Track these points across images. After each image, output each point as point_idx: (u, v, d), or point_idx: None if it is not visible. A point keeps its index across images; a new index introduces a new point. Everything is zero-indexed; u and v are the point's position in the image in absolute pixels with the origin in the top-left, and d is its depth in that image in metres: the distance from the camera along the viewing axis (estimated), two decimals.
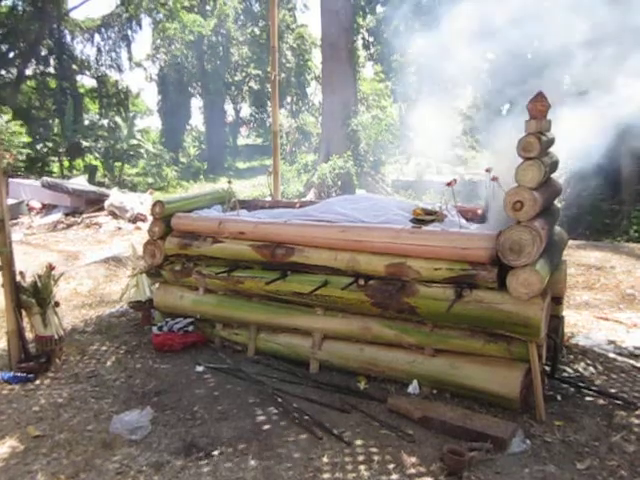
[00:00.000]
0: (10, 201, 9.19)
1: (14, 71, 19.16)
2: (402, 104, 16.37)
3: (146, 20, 21.60)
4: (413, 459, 2.60)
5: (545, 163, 2.84)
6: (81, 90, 21.58)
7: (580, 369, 3.56)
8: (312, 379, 3.45)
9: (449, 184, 3.48)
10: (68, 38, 20.39)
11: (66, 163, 17.82)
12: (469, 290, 3.02)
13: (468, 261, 3.03)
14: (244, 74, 24.59)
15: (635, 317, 4.52)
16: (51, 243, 8.28)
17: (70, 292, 5.49)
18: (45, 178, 10.74)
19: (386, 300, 3.25)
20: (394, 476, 2.49)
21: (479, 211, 3.90)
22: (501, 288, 2.94)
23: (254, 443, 2.77)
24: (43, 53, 20.08)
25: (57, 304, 3.92)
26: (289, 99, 23.61)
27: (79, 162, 18.11)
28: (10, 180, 10.22)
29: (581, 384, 3.30)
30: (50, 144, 16.81)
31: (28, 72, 19.87)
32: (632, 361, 3.68)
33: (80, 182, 11.57)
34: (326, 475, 2.51)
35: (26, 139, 14.59)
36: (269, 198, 6.61)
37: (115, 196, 10.40)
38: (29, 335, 3.85)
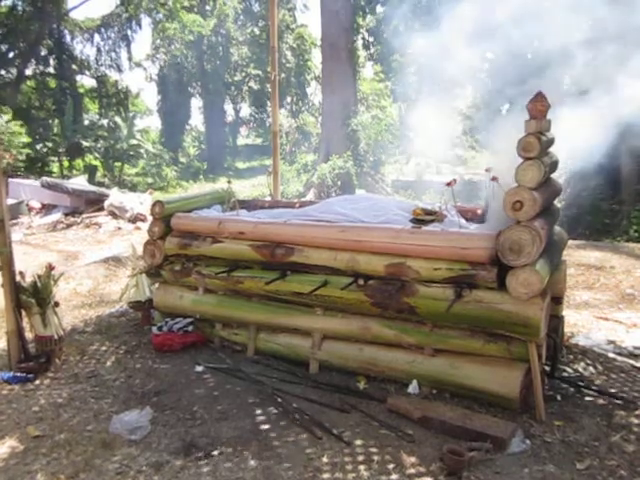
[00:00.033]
0: (10, 201, 9.19)
1: (14, 71, 19.17)
2: (402, 104, 16.38)
3: (146, 20, 21.67)
4: (413, 459, 2.60)
5: (545, 163, 2.84)
6: (81, 90, 21.59)
7: (580, 369, 3.56)
8: (312, 379, 3.45)
9: (449, 184, 3.48)
10: (68, 38, 20.43)
11: (66, 163, 17.82)
12: (469, 290, 3.02)
13: (468, 261, 3.03)
14: (244, 74, 24.59)
15: (635, 317, 4.52)
16: (51, 243, 8.28)
17: (70, 292, 5.49)
18: (45, 178, 10.73)
19: (386, 300, 3.25)
20: (394, 476, 2.49)
21: (479, 211, 3.90)
22: (501, 288, 2.94)
23: (254, 443, 2.77)
24: (43, 53, 20.09)
25: (57, 304, 3.92)
26: (289, 99, 23.60)
27: (79, 162, 18.11)
28: (10, 180, 10.23)
29: (581, 383, 3.30)
30: (50, 144, 16.82)
31: (28, 72, 19.88)
32: (632, 361, 3.68)
33: (80, 182, 11.57)
34: (326, 475, 2.51)
35: (26, 139, 14.60)
36: (269, 198, 6.61)
37: (115, 196, 10.40)
38: (29, 335, 3.85)
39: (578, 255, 6.40)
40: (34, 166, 15.68)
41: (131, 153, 17.47)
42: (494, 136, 3.59)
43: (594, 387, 3.28)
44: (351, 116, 14.81)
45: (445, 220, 3.51)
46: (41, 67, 20.18)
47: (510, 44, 5.20)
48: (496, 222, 3.21)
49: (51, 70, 20.44)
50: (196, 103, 25.21)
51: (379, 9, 16.20)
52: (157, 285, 4.37)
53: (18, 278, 3.72)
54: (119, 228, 9.37)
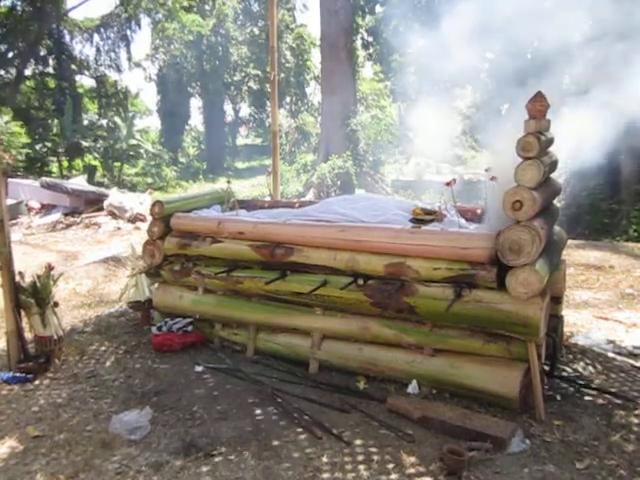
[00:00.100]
0: (9, 201, 9.18)
1: (13, 71, 19.15)
2: (401, 104, 16.40)
3: (145, 20, 21.63)
4: (412, 459, 2.60)
5: (544, 163, 2.84)
6: (80, 90, 21.57)
7: (579, 368, 3.56)
8: (311, 379, 3.45)
9: (448, 184, 3.48)
10: (67, 38, 20.41)
11: (65, 163, 17.80)
12: (468, 290, 3.02)
13: (467, 261, 3.03)
14: (243, 74, 24.58)
15: (634, 316, 4.52)
16: (50, 243, 8.28)
17: (69, 292, 5.48)
18: (44, 178, 10.73)
19: (385, 300, 3.25)
20: (393, 476, 2.49)
21: (479, 211, 3.90)
22: (500, 288, 2.94)
23: (253, 443, 2.77)
24: (42, 53, 20.06)
25: (56, 304, 3.92)
26: (288, 99, 23.60)
27: (78, 162, 18.09)
28: (9, 180, 10.22)
29: (580, 382, 3.30)
30: (49, 144, 16.81)
31: (27, 72, 19.86)
32: (631, 360, 3.68)
33: (79, 182, 11.56)
34: (325, 475, 2.51)
35: (25, 139, 14.61)
36: (268, 198, 6.61)
37: (114, 196, 10.39)
38: (28, 335, 3.85)
39: (577, 255, 6.40)
40: (33, 166, 15.68)
41: (131, 153, 17.46)
42: (494, 136, 3.59)
43: (594, 386, 3.28)
44: (350, 116, 14.81)
45: (445, 220, 3.51)
46: (40, 67, 20.16)
47: (510, 44, 5.20)
48: (496, 222, 3.21)
49: (50, 70, 20.43)
50: (196, 103, 25.27)
51: (378, 9, 16.21)
52: (156, 285, 4.37)
53: (17, 278, 3.71)
54: (118, 228, 9.37)
